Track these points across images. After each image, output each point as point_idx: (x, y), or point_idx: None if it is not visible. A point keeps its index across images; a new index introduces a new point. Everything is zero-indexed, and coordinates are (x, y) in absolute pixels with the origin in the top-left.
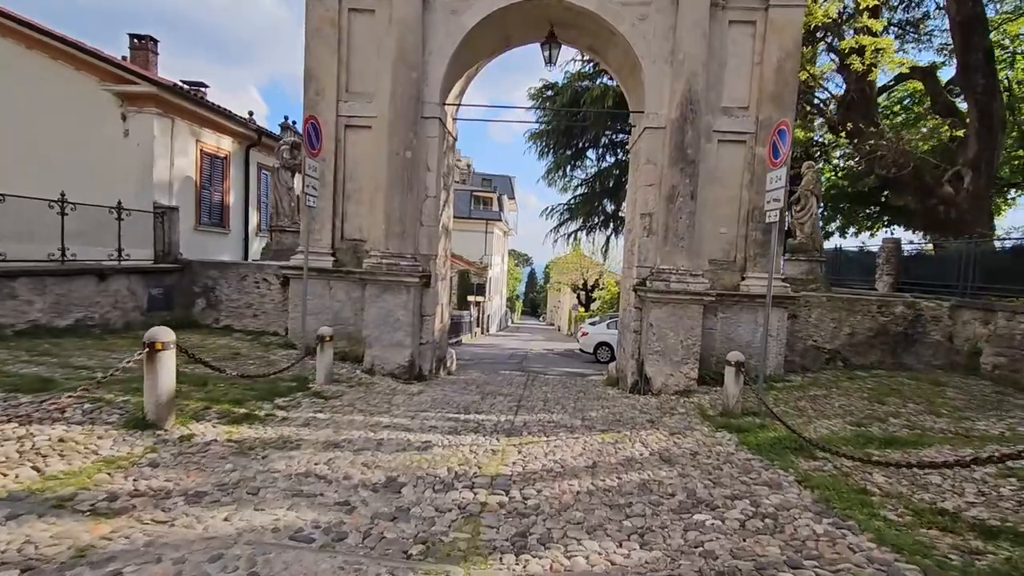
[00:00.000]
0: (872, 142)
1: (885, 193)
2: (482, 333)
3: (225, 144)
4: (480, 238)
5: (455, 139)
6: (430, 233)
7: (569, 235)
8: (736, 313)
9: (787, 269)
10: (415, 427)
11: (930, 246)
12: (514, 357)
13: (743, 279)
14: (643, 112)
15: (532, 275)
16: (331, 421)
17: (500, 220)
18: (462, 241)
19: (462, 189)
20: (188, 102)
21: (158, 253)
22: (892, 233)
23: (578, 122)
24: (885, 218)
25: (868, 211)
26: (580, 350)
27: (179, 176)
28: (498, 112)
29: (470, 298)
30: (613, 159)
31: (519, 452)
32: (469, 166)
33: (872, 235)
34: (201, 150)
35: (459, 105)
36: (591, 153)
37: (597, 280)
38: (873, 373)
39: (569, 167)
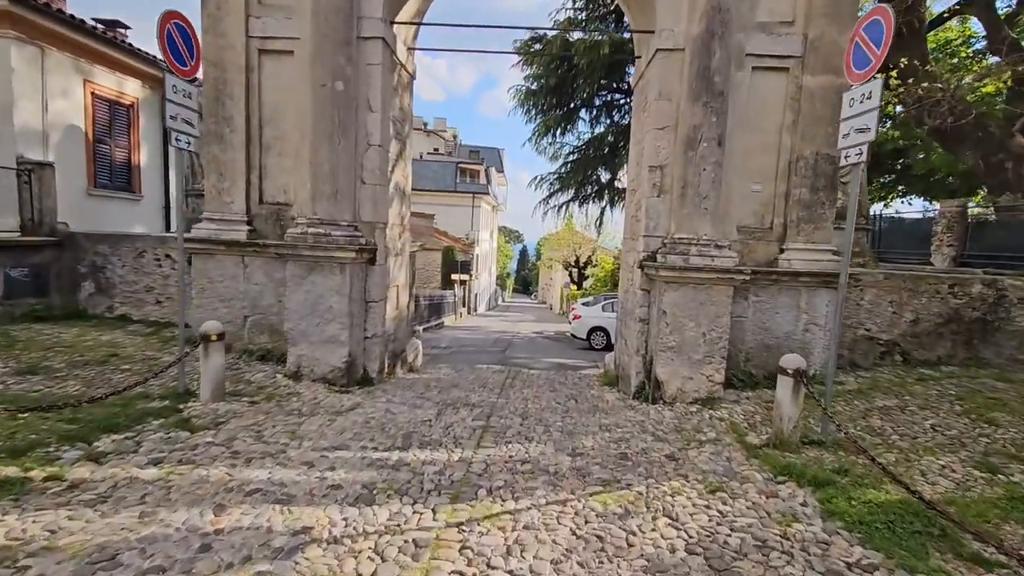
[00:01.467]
0: (925, 84)
1: (901, 160)
2: (468, 313)
3: (131, 88)
4: (466, 213)
5: (412, 76)
6: (376, 194)
7: (560, 207)
8: (773, 296)
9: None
10: (306, 487)
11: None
12: (498, 343)
13: (781, 251)
14: (653, 32)
15: (524, 252)
16: (160, 486)
17: (488, 194)
18: (447, 216)
19: (447, 161)
20: (64, 27)
21: (26, 222)
22: (910, 204)
23: (569, 79)
24: (900, 187)
25: (882, 179)
26: (572, 335)
27: (58, 124)
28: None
29: (454, 276)
30: (607, 122)
31: (462, 550)
32: (455, 137)
33: (887, 205)
34: (93, 93)
35: (418, 24)
36: (583, 115)
37: (590, 257)
38: (946, 372)
39: (559, 130)
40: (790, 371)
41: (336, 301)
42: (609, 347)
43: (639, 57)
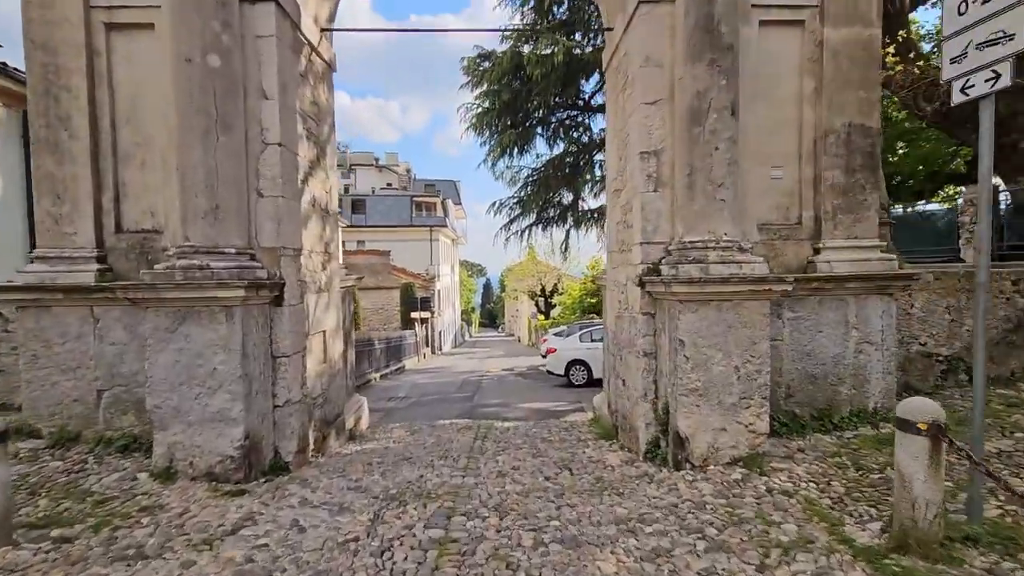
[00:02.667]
0: (921, 63)
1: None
2: (433, 353)
3: None
4: (424, 247)
5: (330, 66)
6: (280, 211)
7: (522, 231)
8: (813, 310)
9: None
10: None
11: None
12: (465, 387)
13: (816, 251)
14: None
15: (488, 285)
16: None
17: (446, 226)
18: (404, 252)
19: (401, 195)
20: None
21: None
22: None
23: (523, 94)
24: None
25: None
26: (548, 371)
27: None
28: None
29: (414, 315)
30: (565, 142)
31: None
32: (409, 171)
33: None
34: None
35: None
36: (540, 132)
37: (556, 285)
38: None
39: (516, 150)
40: (921, 425)
41: (222, 361)
42: (591, 383)
43: (610, 29)
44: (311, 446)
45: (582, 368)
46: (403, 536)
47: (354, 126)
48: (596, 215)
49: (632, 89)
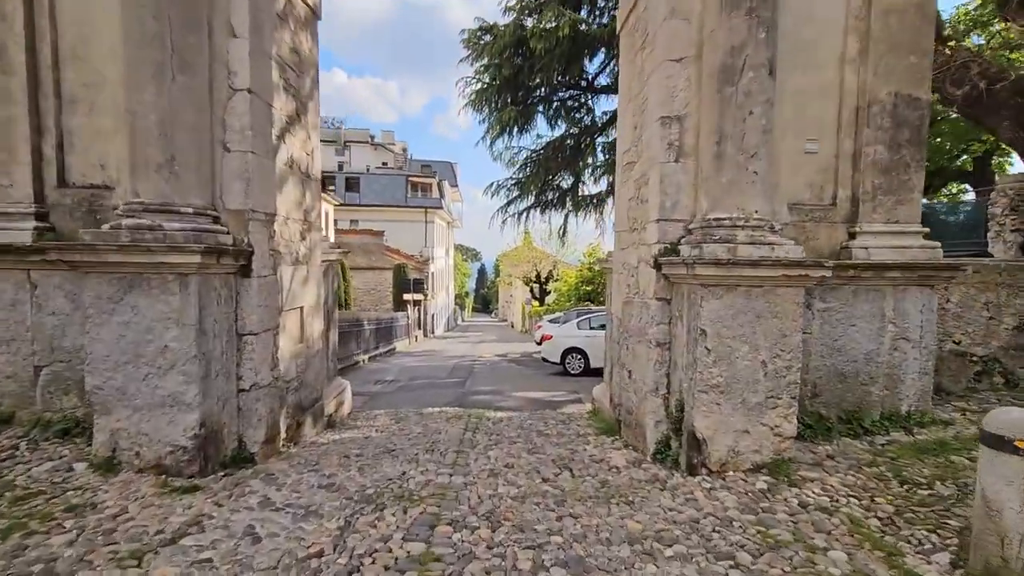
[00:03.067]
0: (952, 43)
1: None
2: (425, 336)
3: None
4: (419, 229)
5: (315, 13)
6: (251, 168)
7: (519, 214)
8: (847, 302)
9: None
10: None
11: None
12: (456, 372)
13: (851, 236)
14: None
15: (482, 270)
16: None
17: (441, 208)
18: (398, 233)
19: (396, 174)
20: None
21: None
22: None
23: (525, 69)
24: None
25: None
26: (543, 358)
27: None
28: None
29: (407, 296)
30: (565, 127)
31: None
32: (405, 151)
33: None
34: None
35: None
36: (541, 111)
37: (551, 271)
38: None
39: (516, 128)
40: (1021, 443)
41: (175, 337)
42: (588, 372)
43: None
44: (282, 435)
45: (579, 356)
46: (377, 551)
47: (351, 105)
48: (595, 201)
49: (653, 47)
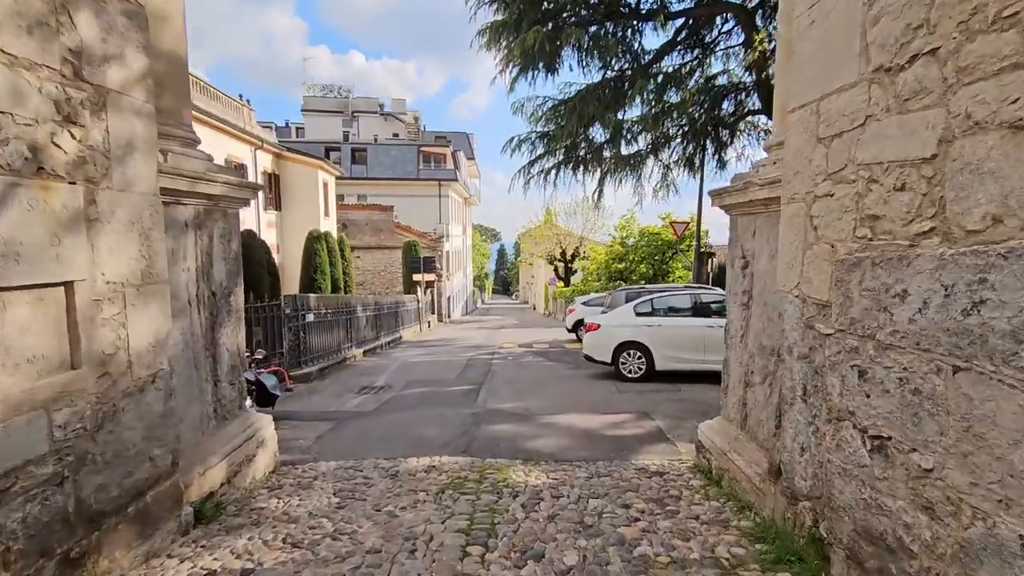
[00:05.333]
0: None
1: None
2: (440, 321)
3: None
4: (432, 204)
5: None
6: None
7: (546, 172)
8: None
9: None
10: None
11: None
12: (468, 373)
13: None
14: None
15: (502, 251)
16: None
17: (456, 180)
18: (411, 208)
19: (407, 144)
20: None
21: None
22: None
23: None
24: None
25: None
26: (585, 355)
27: None
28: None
29: (417, 277)
30: (600, 67)
31: None
32: (417, 120)
33: None
34: None
35: None
36: (570, 54)
37: (577, 248)
38: None
39: (541, 64)
40: None
41: None
42: (652, 375)
43: None
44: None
45: (638, 355)
46: None
47: (368, 88)
48: (632, 161)
49: None
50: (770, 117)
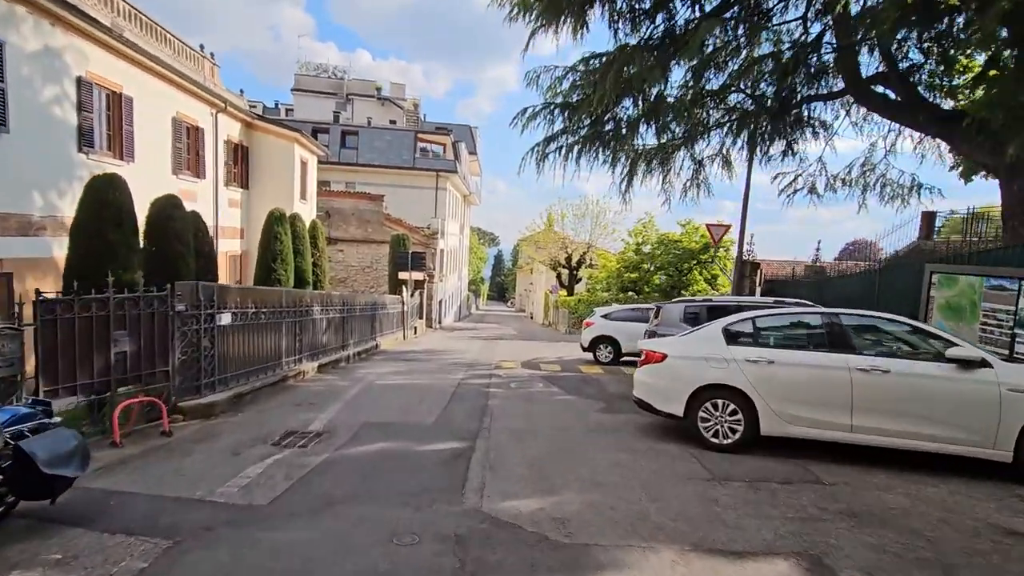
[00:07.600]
0: None
1: None
2: (428, 327)
3: None
4: (428, 197)
5: None
6: None
7: (566, 149)
8: None
9: None
10: None
11: None
12: (454, 413)
13: None
14: None
15: (499, 257)
16: None
17: (455, 172)
18: (404, 200)
19: (402, 130)
20: None
21: None
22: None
23: None
24: None
25: None
26: (637, 399)
27: None
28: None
29: (403, 275)
30: (631, 30)
31: None
32: (417, 107)
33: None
34: None
35: None
36: (599, 10)
37: (584, 255)
38: None
39: (569, 16)
40: None
41: None
42: (753, 441)
43: None
44: None
45: (731, 407)
46: None
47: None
48: (664, 153)
49: None
50: (857, 97)
